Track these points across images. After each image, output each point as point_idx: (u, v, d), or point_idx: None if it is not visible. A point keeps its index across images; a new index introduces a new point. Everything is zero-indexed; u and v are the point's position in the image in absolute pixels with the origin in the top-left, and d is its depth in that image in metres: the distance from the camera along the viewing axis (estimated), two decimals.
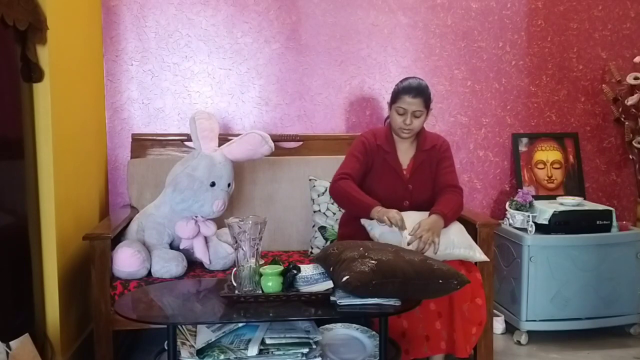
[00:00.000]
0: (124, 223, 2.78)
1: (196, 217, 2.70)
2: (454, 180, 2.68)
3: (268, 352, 1.96)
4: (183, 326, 2.06)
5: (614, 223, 3.15)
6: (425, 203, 2.60)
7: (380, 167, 2.65)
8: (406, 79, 2.68)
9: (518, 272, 3.08)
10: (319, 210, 3.00)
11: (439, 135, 2.83)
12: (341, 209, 2.88)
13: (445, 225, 2.47)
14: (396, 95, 2.64)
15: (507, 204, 3.25)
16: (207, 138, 2.73)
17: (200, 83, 3.31)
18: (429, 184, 2.66)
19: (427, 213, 2.51)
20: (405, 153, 2.71)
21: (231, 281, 2.06)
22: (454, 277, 2.03)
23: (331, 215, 2.98)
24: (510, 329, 3.18)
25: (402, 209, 2.52)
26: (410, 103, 2.59)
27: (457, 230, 2.53)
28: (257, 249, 2.02)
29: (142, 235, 2.72)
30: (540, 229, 3.10)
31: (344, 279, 1.93)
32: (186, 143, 3.18)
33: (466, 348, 2.42)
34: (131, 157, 3.18)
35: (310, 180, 3.08)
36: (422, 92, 2.61)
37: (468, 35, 3.48)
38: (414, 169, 2.67)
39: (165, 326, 1.91)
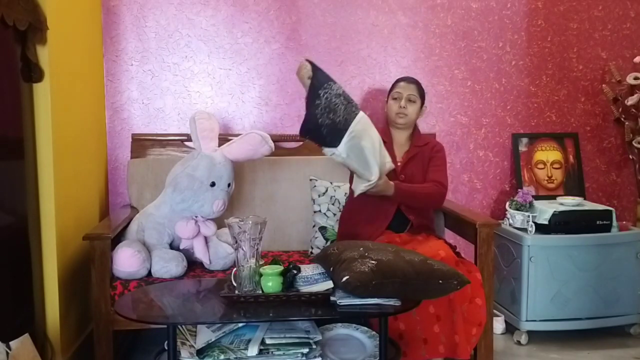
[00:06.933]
0: (124, 223, 2.78)
1: (196, 217, 2.70)
2: (441, 177, 2.77)
3: (268, 352, 1.96)
4: (183, 326, 2.06)
5: (614, 223, 3.15)
6: None
7: None
8: None
9: (518, 272, 3.08)
10: (319, 211, 3.00)
11: (430, 136, 3.07)
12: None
13: (392, 197, 2.63)
14: (393, 85, 2.91)
15: (507, 204, 3.25)
16: (207, 138, 2.73)
17: (200, 83, 3.31)
18: (420, 177, 2.78)
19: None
20: (400, 147, 2.86)
21: (231, 281, 2.06)
22: (454, 277, 2.03)
23: (331, 215, 2.98)
24: (510, 329, 3.18)
25: None
26: (404, 87, 2.84)
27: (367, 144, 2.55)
28: (257, 249, 2.02)
29: (142, 235, 2.72)
30: (540, 229, 3.10)
31: (344, 279, 1.93)
32: (186, 143, 3.18)
33: (467, 349, 2.42)
34: (131, 157, 3.18)
35: (310, 180, 3.08)
36: (416, 82, 2.89)
37: (468, 35, 3.48)
38: (406, 160, 2.80)
39: (165, 326, 1.91)
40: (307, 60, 2.52)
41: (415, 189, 2.71)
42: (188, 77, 3.30)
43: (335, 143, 2.48)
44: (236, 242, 2.01)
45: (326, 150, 2.53)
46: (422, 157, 2.80)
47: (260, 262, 2.06)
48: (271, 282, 2.01)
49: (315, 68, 2.51)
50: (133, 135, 3.21)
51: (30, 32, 2.25)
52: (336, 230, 2.92)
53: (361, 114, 2.54)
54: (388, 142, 2.77)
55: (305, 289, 2.03)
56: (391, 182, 2.62)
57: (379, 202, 2.70)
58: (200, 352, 1.95)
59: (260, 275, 2.02)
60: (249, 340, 1.98)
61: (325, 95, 2.46)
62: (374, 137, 2.53)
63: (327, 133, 2.47)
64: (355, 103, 2.58)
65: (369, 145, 2.49)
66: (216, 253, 2.70)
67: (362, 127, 2.51)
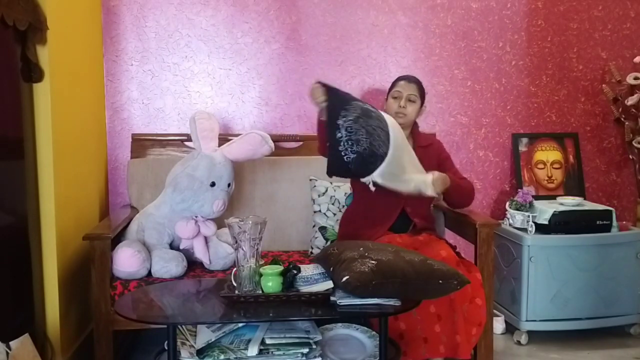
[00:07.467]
0: (124, 223, 2.78)
1: (196, 217, 2.70)
2: (461, 175, 2.85)
3: (268, 352, 1.96)
4: (183, 326, 2.06)
5: (614, 223, 3.15)
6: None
7: None
8: None
9: (518, 272, 3.08)
10: (320, 211, 3.00)
11: (431, 135, 3.06)
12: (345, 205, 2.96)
13: (447, 188, 2.61)
14: (393, 84, 2.83)
15: (507, 204, 3.25)
16: (207, 138, 2.74)
17: (200, 83, 3.31)
18: None
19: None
20: None
21: (231, 281, 2.06)
22: (454, 277, 2.03)
23: (331, 215, 2.98)
24: (510, 329, 3.18)
25: (400, 200, 2.64)
26: (405, 87, 2.77)
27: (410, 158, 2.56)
28: (257, 249, 2.02)
29: (142, 236, 2.72)
30: (540, 229, 3.10)
31: (344, 279, 1.93)
32: (186, 143, 3.18)
33: (468, 349, 2.42)
34: (131, 157, 3.18)
35: (310, 180, 3.08)
36: (417, 81, 2.81)
37: (468, 35, 3.48)
38: None
39: (165, 326, 1.91)
40: (319, 82, 2.41)
41: (461, 183, 2.74)
42: (188, 77, 3.30)
43: (366, 173, 2.41)
44: (236, 242, 2.01)
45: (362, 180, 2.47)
46: (428, 160, 2.71)
47: (260, 262, 2.06)
48: (271, 282, 2.01)
49: (328, 90, 2.37)
50: (133, 135, 3.21)
51: (30, 32, 2.25)
52: (336, 230, 2.91)
53: (389, 126, 2.43)
54: None
55: (305, 289, 2.03)
56: (444, 174, 2.60)
57: (383, 205, 2.68)
58: (200, 352, 1.95)
59: (260, 275, 2.02)
60: (249, 340, 1.98)
61: (346, 125, 2.30)
62: (406, 146, 2.52)
63: (355, 168, 2.37)
64: (375, 113, 2.42)
65: (405, 163, 2.47)
66: (216, 253, 2.70)
67: (396, 145, 2.41)
